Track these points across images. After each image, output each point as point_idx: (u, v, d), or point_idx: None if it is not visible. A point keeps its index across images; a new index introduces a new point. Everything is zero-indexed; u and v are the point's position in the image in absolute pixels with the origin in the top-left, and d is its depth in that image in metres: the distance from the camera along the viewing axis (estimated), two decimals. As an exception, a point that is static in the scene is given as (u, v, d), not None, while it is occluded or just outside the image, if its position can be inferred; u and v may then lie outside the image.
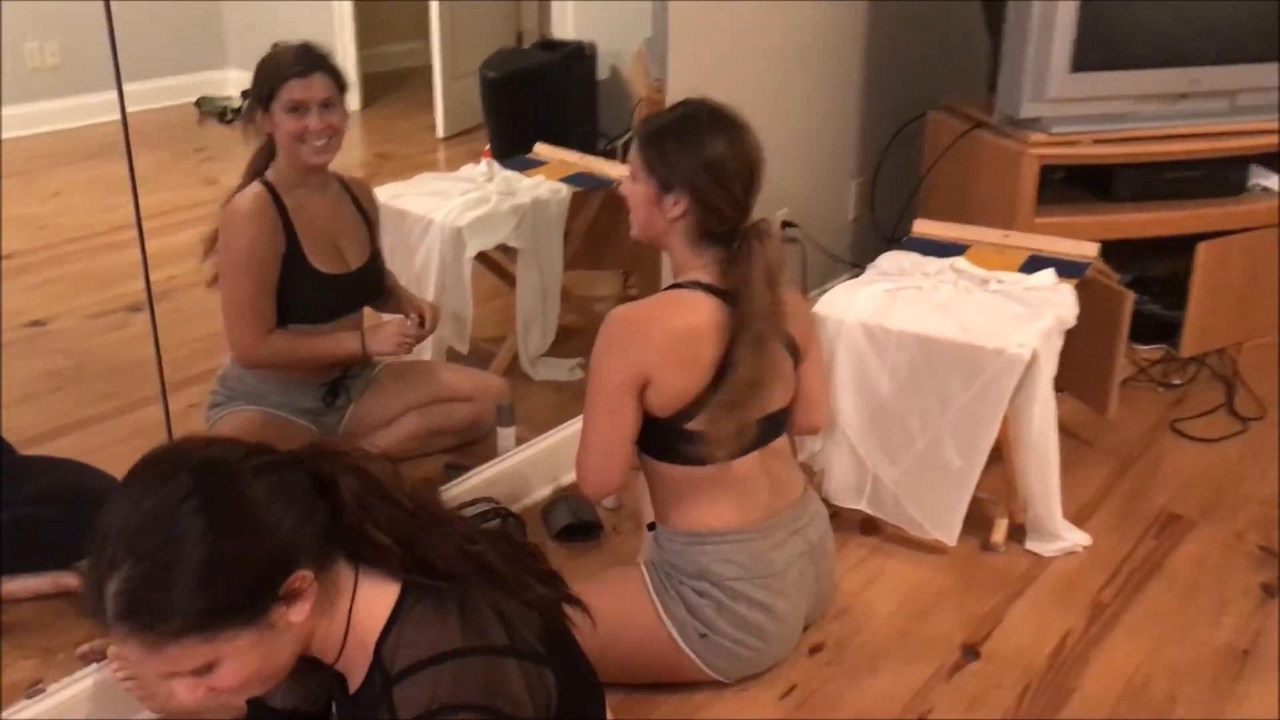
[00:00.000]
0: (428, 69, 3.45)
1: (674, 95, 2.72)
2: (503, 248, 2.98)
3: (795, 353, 2.07)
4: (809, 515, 2.12)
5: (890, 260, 2.70)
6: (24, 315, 2.99)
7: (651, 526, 2.14)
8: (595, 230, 3.16)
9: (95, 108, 3.16)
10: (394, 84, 3.95)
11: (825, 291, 3.45)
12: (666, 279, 2.07)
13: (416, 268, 2.89)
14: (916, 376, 2.37)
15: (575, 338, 3.22)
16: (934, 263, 2.66)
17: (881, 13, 3.46)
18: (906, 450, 2.41)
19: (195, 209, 3.23)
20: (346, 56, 3.55)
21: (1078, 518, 2.57)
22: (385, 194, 2.85)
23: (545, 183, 3.08)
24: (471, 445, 2.76)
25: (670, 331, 1.93)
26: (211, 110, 3.15)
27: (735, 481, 2.01)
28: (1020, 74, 3.03)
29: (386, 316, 2.77)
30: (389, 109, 3.90)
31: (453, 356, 2.97)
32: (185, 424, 2.59)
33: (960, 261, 2.66)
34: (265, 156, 2.44)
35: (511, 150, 3.34)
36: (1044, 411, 2.35)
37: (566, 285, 3.14)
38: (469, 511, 2.26)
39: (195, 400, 2.58)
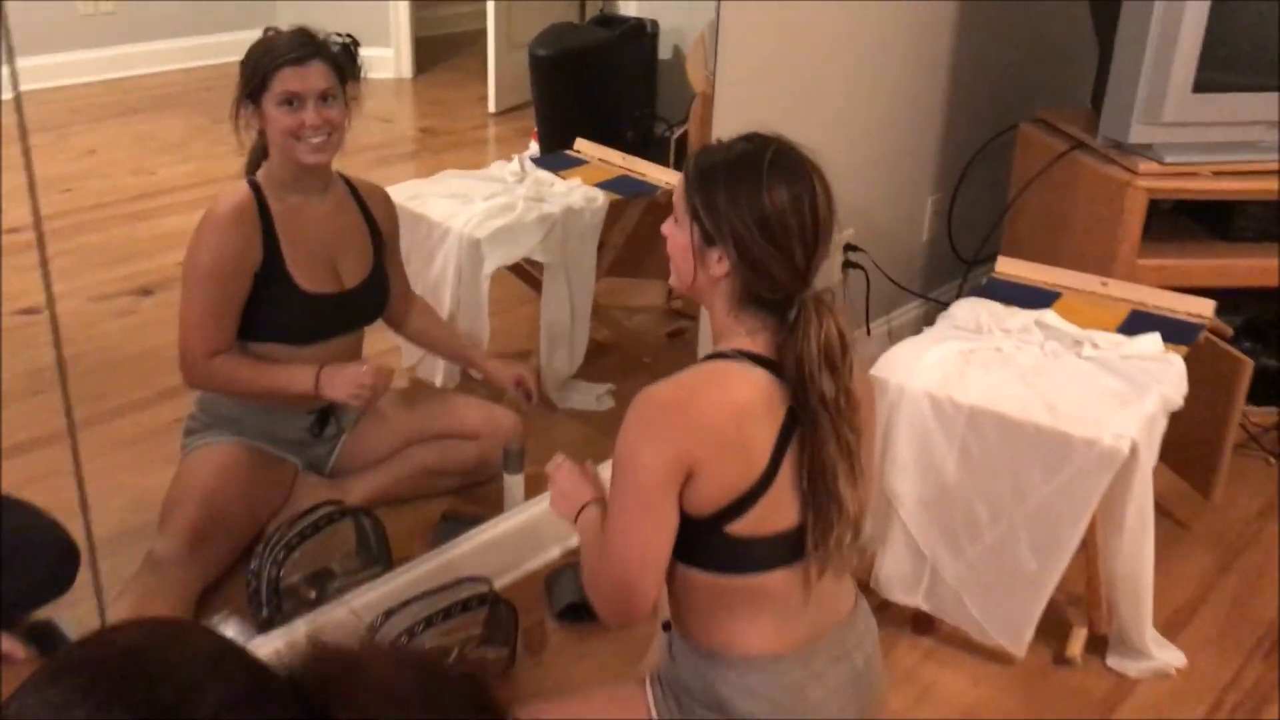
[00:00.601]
0: (484, 34, 3.19)
1: (722, 94, 2.38)
2: (530, 254, 2.69)
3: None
4: (857, 635, 1.75)
5: (966, 310, 2.33)
6: (19, 300, 2.75)
7: (667, 626, 1.81)
8: (637, 235, 2.84)
9: (151, 56, 2.95)
10: (449, 49, 3.73)
11: (889, 322, 3.13)
12: (705, 341, 1.71)
13: (431, 280, 2.62)
14: (990, 460, 2.02)
15: (607, 358, 2.92)
16: (1017, 316, 2.30)
17: (974, 11, 3.06)
18: (973, 542, 2.06)
19: (221, 184, 2.99)
20: (399, 16, 3.32)
21: (1170, 626, 2.20)
22: (402, 194, 2.58)
23: (580, 188, 2.78)
24: (476, 488, 2.46)
25: (717, 410, 1.58)
26: (257, 72, 2.96)
27: (773, 596, 1.65)
28: (1132, 92, 2.62)
29: (402, 343, 2.48)
30: (442, 77, 3.70)
31: (465, 379, 2.68)
32: (170, 440, 2.32)
33: (1049, 315, 2.30)
34: (259, 154, 2.19)
35: (559, 136, 3.11)
36: (1139, 511, 1.99)
37: (600, 296, 2.83)
38: (450, 596, 1.95)
39: (182, 413, 2.32)
